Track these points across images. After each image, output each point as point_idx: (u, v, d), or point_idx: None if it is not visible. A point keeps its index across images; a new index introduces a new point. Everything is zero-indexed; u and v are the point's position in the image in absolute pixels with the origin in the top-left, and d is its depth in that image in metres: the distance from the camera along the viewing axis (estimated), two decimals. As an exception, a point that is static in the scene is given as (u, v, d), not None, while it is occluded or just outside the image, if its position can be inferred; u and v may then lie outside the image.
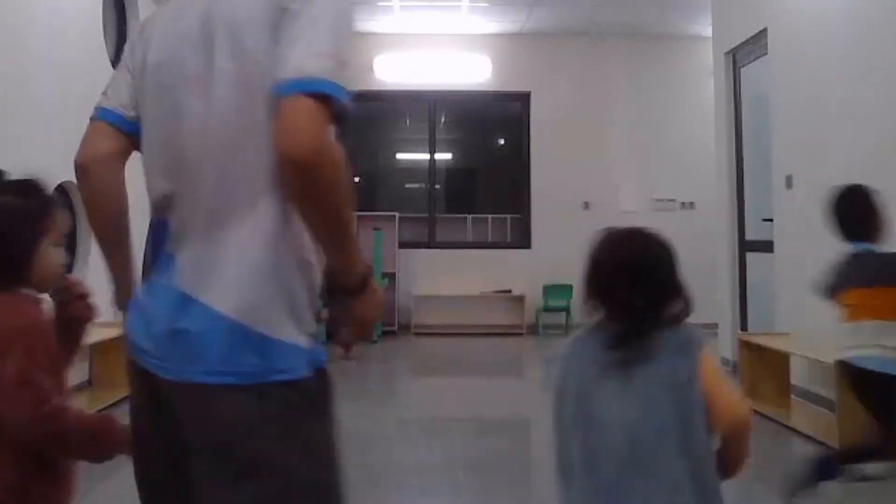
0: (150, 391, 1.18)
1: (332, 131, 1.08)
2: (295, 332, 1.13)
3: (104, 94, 1.37)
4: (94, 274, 5.42)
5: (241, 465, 1.10)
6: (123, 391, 5.27)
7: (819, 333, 4.53)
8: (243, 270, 1.11)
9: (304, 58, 1.07)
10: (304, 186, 1.07)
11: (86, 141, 1.38)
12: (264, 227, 1.12)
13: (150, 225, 1.28)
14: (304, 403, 1.15)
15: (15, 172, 3.51)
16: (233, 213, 1.13)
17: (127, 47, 1.39)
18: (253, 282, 1.11)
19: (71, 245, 5.18)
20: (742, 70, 6.13)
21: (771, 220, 5.34)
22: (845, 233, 2.75)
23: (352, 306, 1.22)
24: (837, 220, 2.78)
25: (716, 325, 6.42)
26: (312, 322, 1.18)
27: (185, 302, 1.12)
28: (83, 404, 4.57)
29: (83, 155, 1.37)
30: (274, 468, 1.10)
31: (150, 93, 1.26)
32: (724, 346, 6.15)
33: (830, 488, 2.84)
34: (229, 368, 1.09)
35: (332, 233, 1.14)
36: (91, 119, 1.37)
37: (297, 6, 1.11)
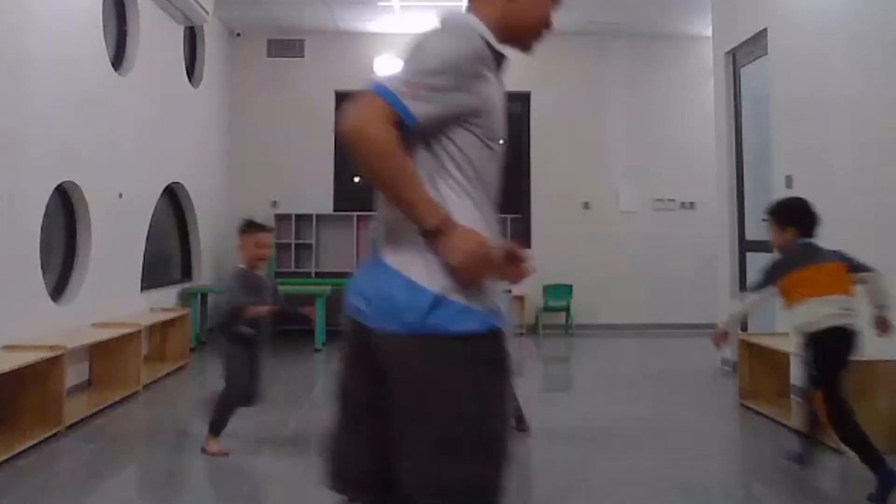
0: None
1: (379, 121, 1.35)
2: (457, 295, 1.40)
3: None
4: (92, 273, 5.43)
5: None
6: (123, 391, 5.24)
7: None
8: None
9: (389, 74, 1.41)
10: (350, 154, 1.37)
11: None
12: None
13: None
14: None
15: (14, 172, 3.52)
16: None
17: None
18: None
19: (70, 247, 5.18)
20: (742, 70, 6.13)
21: (771, 220, 5.33)
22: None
23: (440, 252, 1.40)
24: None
25: (716, 326, 6.41)
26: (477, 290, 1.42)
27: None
28: (83, 404, 4.58)
29: None
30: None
31: None
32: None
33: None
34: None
35: (383, 192, 1.43)
36: None
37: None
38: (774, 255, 3.41)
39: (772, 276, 3.30)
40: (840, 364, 3.21)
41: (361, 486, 1.53)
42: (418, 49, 1.45)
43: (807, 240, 3.30)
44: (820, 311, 3.17)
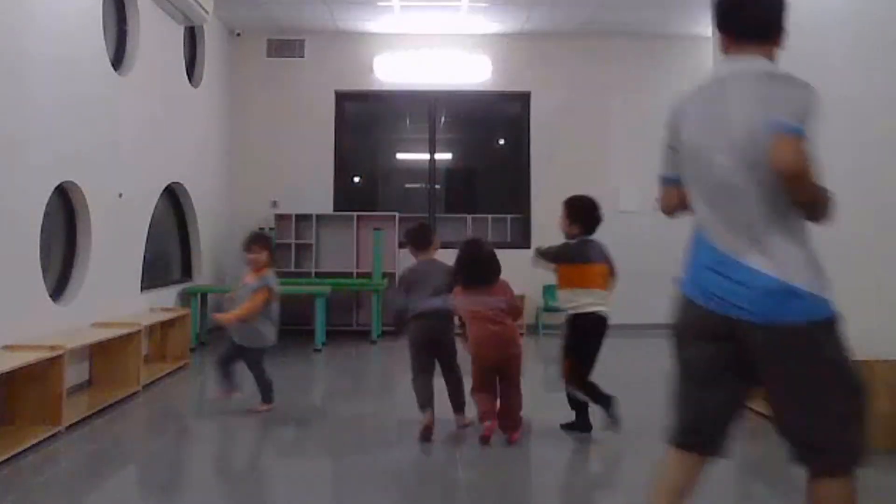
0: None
1: (805, 155, 1.89)
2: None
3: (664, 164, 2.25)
4: (92, 273, 5.43)
5: None
6: (123, 391, 5.24)
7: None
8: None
9: (783, 119, 1.93)
10: (792, 186, 1.90)
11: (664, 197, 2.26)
12: (788, 234, 1.97)
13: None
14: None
15: (14, 172, 3.49)
16: (768, 225, 1.96)
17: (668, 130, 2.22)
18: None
19: (70, 247, 5.18)
20: (742, 70, 6.12)
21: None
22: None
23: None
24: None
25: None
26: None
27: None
28: (83, 404, 4.58)
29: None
30: None
31: (690, 158, 2.10)
32: (724, 346, 6.14)
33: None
34: None
35: (811, 202, 1.98)
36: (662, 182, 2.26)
37: (780, 105, 2.00)
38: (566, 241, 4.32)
39: (557, 260, 4.28)
40: (590, 339, 4.13)
41: (706, 437, 2.10)
42: (790, 98, 2.08)
43: (587, 237, 4.22)
44: (584, 300, 4.09)
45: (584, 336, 4.14)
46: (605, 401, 4.13)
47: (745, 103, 2.04)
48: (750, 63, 2.13)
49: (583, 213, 4.38)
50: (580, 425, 4.18)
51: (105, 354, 5.11)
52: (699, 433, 2.10)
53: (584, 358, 4.14)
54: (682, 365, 2.11)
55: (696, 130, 2.07)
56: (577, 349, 4.15)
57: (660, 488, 2.17)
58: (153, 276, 6.55)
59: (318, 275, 8.38)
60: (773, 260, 1.92)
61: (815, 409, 1.94)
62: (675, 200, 2.19)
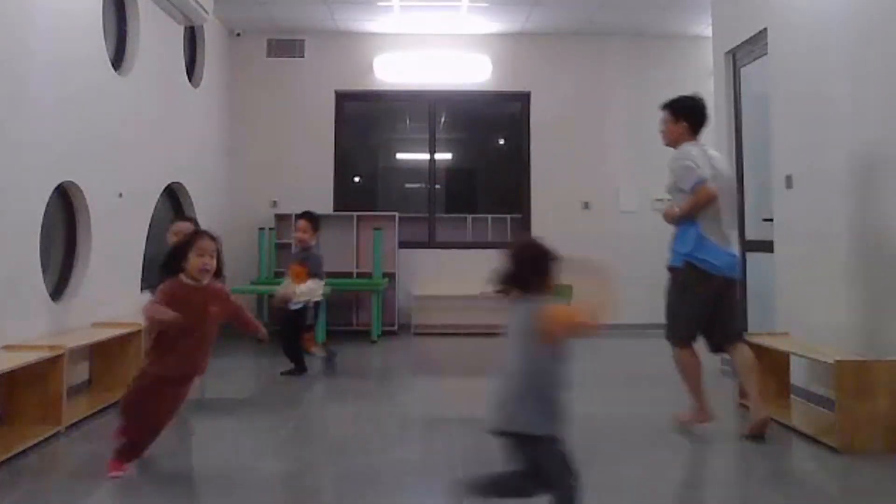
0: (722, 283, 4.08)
1: None
2: None
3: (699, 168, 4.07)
4: (92, 273, 5.41)
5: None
6: (123, 391, 5.24)
7: (819, 333, 4.53)
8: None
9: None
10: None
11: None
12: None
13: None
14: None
15: (15, 172, 3.44)
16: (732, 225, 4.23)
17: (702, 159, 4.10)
18: None
19: (70, 247, 5.18)
20: (742, 70, 6.13)
21: (771, 219, 5.34)
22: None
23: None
24: None
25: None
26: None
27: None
28: (83, 404, 4.58)
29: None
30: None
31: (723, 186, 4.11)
32: (724, 346, 6.14)
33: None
34: None
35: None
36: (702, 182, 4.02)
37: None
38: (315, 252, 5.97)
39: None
40: (303, 319, 5.82)
41: (715, 344, 4.19)
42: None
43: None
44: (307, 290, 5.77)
45: (297, 317, 5.84)
46: (331, 354, 6.24)
47: (723, 164, 4.25)
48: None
49: (318, 223, 6.01)
50: (299, 369, 5.85)
51: (105, 354, 5.11)
52: (696, 337, 4.13)
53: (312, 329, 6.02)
54: (696, 302, 4.01)
55: (716, 170, 4.03)
56: (302, 325, 5.92)
57: (697, 373, 4.11)
58: (153, 276, 6.54)
59: (318, 275, 8.37)
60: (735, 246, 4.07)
61: (735, 316, 4.20)
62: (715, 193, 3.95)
